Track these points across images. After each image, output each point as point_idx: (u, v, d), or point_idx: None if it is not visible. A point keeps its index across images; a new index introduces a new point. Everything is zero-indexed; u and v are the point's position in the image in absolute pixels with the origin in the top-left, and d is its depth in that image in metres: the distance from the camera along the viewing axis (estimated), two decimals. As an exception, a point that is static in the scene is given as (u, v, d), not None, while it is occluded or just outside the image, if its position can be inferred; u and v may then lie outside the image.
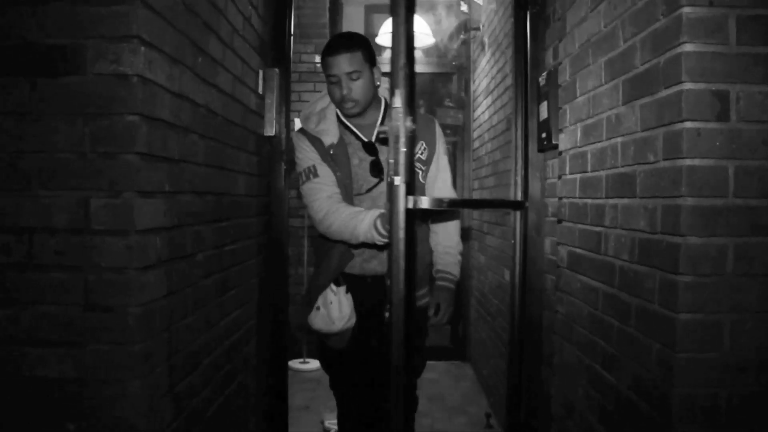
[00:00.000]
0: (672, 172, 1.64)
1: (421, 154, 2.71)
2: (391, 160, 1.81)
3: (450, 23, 6.09)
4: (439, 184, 2.80)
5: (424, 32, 5.54)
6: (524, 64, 2.95)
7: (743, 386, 1.61)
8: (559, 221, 2.65)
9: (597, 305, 2.17)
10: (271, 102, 2.97)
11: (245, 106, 2.62)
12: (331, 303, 2.64)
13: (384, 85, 2.67)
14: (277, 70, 3.00)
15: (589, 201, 2.27)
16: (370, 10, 6.92)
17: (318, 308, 2.67)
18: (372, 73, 2.58)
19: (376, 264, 2.72)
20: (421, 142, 2.70)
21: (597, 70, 2.19)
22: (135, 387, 1.63)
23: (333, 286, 2.69)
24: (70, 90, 1.59)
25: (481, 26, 5.43)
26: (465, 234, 5.63)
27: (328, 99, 2.69)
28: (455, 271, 2.85)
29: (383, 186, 2.61)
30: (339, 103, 2.56)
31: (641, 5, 1.82)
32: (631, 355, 1.88)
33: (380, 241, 2.41)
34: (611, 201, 2.06)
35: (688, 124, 1.59)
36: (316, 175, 2.60)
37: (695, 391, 1.61)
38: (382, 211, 2.42)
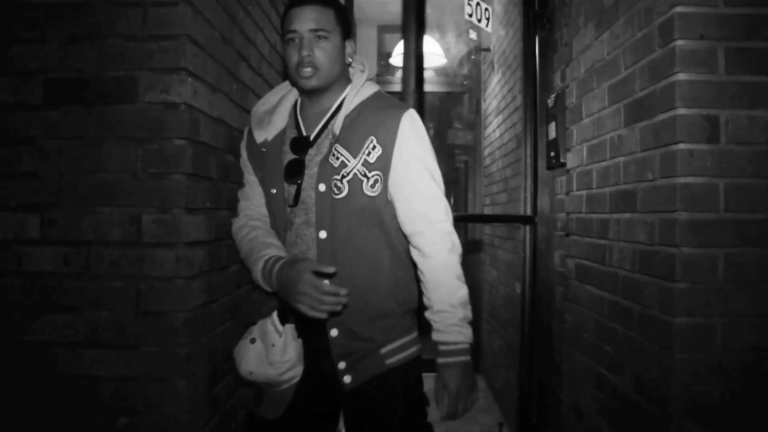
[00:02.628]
0: (668, 189, 1.80)
1: (368, 154, 1.90)
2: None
3: (461, 45, 6.28)
4: (402, 203, 1.93)
5: (436, 53, 5.72)
6: (533, 86, 3.13)
7: (735, 384, 1.76)
8: (567, 235, 2.81)
9: (603, 313, 2.32)
10: (294, 123, 3.14)
11: (271, 128, 2.79)
12: (273, 345, 1.92)
13: (357, 65, 2.08)
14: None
15: (595, 216, 2.43)
16: (383, 30, 7.13)
17: (253, 340, 1.96)
18: (343, 42, 1.98)
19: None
20: (371, 137, 1.91)
21: (601, 94, 2.36)
22: (180, 386, 1.79)
23: (278, 323, 1.95)
24: (123, 117, 1.77)
25: (491, 47, 5.62)
26: (476, 247, 5.80)
27: (290, 87, 2.11)
28: (460, 336, 1.89)
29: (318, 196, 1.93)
30: (295, 68, 1.91)
31: (640, 36, 1.99)
32: (634, 358, 2.04)
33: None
34: (615, 216, 2.22)
35: (682, 146, 1.75)
36: (242, 183, 2.13)
37: (691, 389, 1.77)
38: (274, 254, 1.92)
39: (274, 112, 2.07)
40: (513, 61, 4.50)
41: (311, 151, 1.96)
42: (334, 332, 1.93)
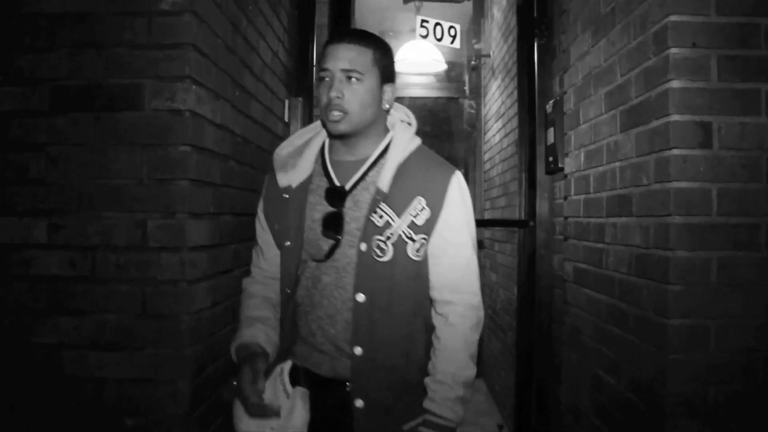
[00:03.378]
0: (662, 193, 1.84)
1: (415, 216, 1.77)
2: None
3: (461, 50, 6.32)
4: (441, 270, 1.82)
5: (436, 59, 5.76)
6: (527, 92, 3.18)
7: (728, 384, 1.80)
8: (565, 239, 2.85)
9: (600, 315, 2.36)
10: (296, 128, 3.18)
11: (273, 133, 2.84)
12: (280, 407, 1.74)
13: (398, 113, 1.94)
14: (300, 99, 3.22)
15: (592, 220, 2.47)
16: (383, 36, 7.17)
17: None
18: (380, 86, 1.81)
19: (342, 365, 1.81)
20: (419, 198, 1.78)
21: (598, 100, 2.40)
22: (185, 387, 1.83)
23: (287, 382, 1.79)
24: (129, 124, 1.81)
25: (491, 53, 5.66)
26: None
27: (319, 128, 1.94)
28: (451, 413, 1.76)
29: (355, 254, 1.78)
30: (324, 109, 1.77)
31: (635, 44, 2.03)
32: (630, 359, 2.07)
33: None
34: (611, 220, 2.26)
35: (676, 151, 1.79)
36: (255, 242, 1.97)
37: (685, 389, 1.80)
38: (242, 342, 1.78)
39: (300, 156, 1.89)
40: (512, 67, 4.54)
41: (347, 204, 1.80)
42: (359, 403, 1.77)
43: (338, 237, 1.77)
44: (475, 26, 6.31)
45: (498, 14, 5.26)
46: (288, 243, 1.82)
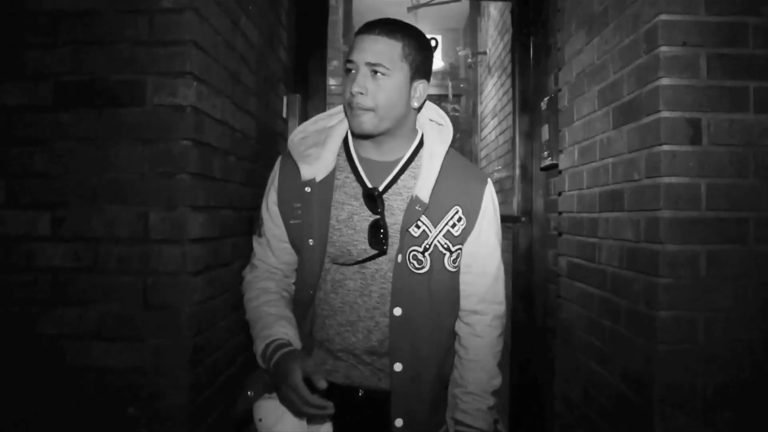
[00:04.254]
0: (653, 188, 1.89)
1: (452, 226, 1.73)
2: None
3: (458, 49, 6.37)
4: (471, 279, 1.79)
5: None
6: (523, 89, 3.22)
7: (716, 375, 1.85)
8: (560, 234, 2.89)
9: (592, 309, 2.40)
10: (294, 125, 3.22)
11: (272, 129, 2.88)
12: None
13: (428, 112, 1.85)
14: (298, 95, 3.26)
15: (585, 215, 2.51)
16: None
17: (260, 420, 1.66)
18: (410, 82, 1.69)
19: (368, 372, 1.78)
20: (456, 207, 1.74)
21: (591, 97, 2.44)
22: (185, 377, 1.87)
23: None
24: (131, 119, 1.85)
25: (487, 50, 5.70)
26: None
27: (340, 116, 1.85)
28: (484, 424, 1.75)
29: (384, 262, 1.74)
30: (347, 104, 1.68)
31: (627, 43, 2.08)
32: (621, 351, 2.12)
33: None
34: (604, 215, 2.30)
35: (666, 147, 1.84)
36: (260, 234, 1.85)
37: (674, 379, 1.85)
38: (278, 338, 1.68)
39: (323, 146, 1.78)
40: (508, 65, 4.59)
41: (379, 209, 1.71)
42: (398, 422, 1.71)
43: (384, 248, 1.69)
44: (472, 24, 6.36)
45: (494, 12, 5.30)
46: (311, 241, 1.73)
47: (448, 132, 1.80)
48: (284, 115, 3.15)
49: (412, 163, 1.76)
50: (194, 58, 1.86)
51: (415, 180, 1.73)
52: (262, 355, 1.69)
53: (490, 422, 1.77)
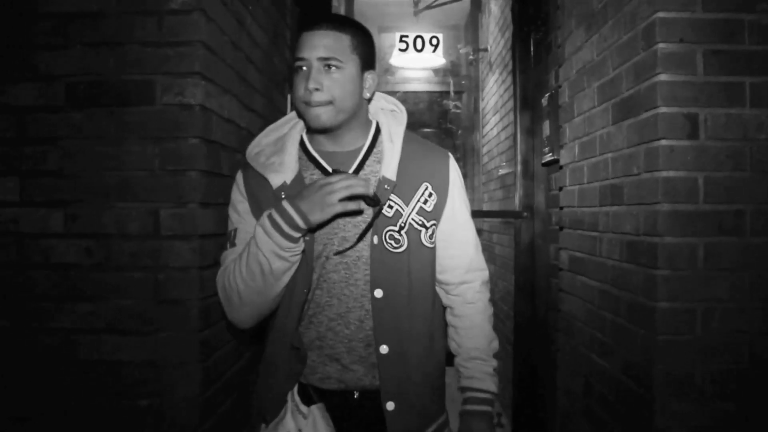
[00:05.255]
0: (651, 182, 1.93)
1: (424, 202, 1.78)
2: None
3: (459, 46, 6.40)
4: (454, 252, 1.84)
5: (434, 53, 5.83)
6: (524, 86, 3.26)
7: (714, 365, 1.89)
8: (561, 228, 2.93)
9: (593, 301, 2.45)
10: (298, 122, 3.26)
11: (277, 128, 2.92)
12: (300, 431, 1.72)
13: (379, 102, 1.91)
14: (302, 94, 3.30)
15: (586, 209, 2.55)
16: (382, 31, 7.25)
17: None
18: (360, 73, 1.73)
19: (362, 371, 1.77)
20: (425, 183, 1.79)
21: (591, 93, 2.48)
22: (196, 369, 1.91)
23: (300, 404, 1.76)
24: (141, 118, 1.89)
25: (488, 47, 5.73)
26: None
27: (292, 122, 1.89)
28: (492, 386, 1.83)
29: (364, 248, 1.75)
30: (301, 101, 1.68)
31: (626, 39, 2.12)
32: (622, 343, 2.16)
33: (290, 248, 1.60)
34: (604, 209, 2.35)
35: (664, 142, 1.88)
36: (234, 243, 1.77)
37: (673, 369, 1.89)
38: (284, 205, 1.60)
39: (283, 153, 1.78)
40: (510, 62, 4.62)
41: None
42: (390, 406, 1.73)
43: (378, 199, 1.66)
44: (473, 21, 6.39)
45: (495, 9, 5.34)
46: (308, 238, 1.69)
47: (402, 115, 1.87)
48: (288, 112, 3.19)
49: (375, 149, 1.80)
50: (202, 58, 1.90)
51: (379, 164, 1.77)
52: (270, 224, 1.60)
53: (497, 384, 1.83)
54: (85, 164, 1.90)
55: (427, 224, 1.78)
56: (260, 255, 1.61)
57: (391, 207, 1.74)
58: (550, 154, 3.12)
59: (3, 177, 1.91)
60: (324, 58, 1.66)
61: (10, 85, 1.91)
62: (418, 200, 1.77)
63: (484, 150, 5.87)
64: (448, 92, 6.86)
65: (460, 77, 6.67)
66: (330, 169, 1.74)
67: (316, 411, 1.73)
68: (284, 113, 3.10)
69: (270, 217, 1.60)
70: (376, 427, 1.74)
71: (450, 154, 1.88)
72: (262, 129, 2.56)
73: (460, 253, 1.84)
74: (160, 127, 1.89)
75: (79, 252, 1.90)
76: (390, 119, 1.84)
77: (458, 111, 6.64)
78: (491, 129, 5.44)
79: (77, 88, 1.90)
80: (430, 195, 1.78)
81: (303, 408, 1.74)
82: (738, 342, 1.89)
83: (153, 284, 1.90)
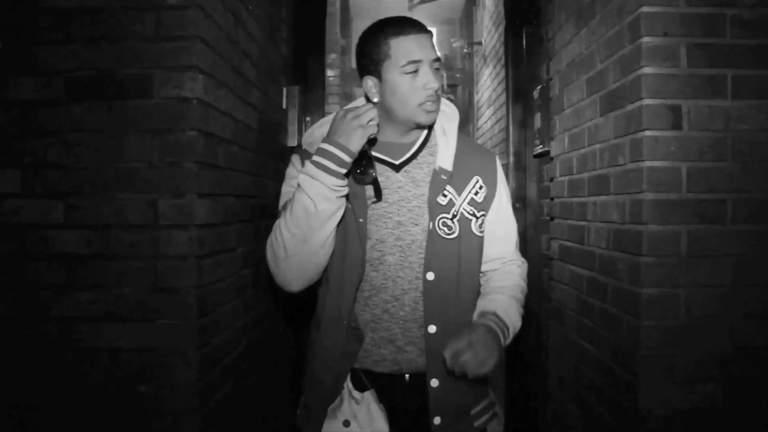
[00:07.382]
0: (636, 172, 1.98)
1: (475, 194, 1.90)
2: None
3: (452, 41, 6.44)
4: (497, 243, 1.97)
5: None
6: (516, 79, 3.31)
7: (696, 349, 1.95)
8: (552, 219, 2.99)
9: (582, 289, 2.50)
10: (293, 116, 3.31)
11: (272, 120, 2.97)
12: (356, 417, 1.82)
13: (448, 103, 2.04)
14: (298, 87, 3.35)
15: (575, 199, 2.61)
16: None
17: (346, 423, 1.84)
18: None
19: (416, 353, 1.86)
20: (476, 177, 1.92)
21: (580, 86, 2.53)
22: (194, 356, 1.96)
23: (353, 390, 1.87)
24: (140, 111, 1.94)
25: (483, 40, 5.78)
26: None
27: None
28: (508, 317, 1.86)
29: (419, 232, 1.86)
30: (420, 102, 1.78)
31: (612, 33, 2.17)
32: (609, 329, 2.22)
33: (337, 186, 1.67)
34: (592, 198, 2.40)
35: (648, 133, 1.93)
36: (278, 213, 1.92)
37: (657, 353, 1.95)
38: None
39: None
40: (503, 55, 4.67)
41: (402, 180, 1.88)
42: (434, 383, 1.82)
43: (372, 172, 1.77)
44: (468, 15, 6.43)
45: (490, 3, 5.38)
46: (362, 219, 1.82)
47: (454, 113, 1.99)
48: (284, 106, 3.24)
49: (428, 143, 1.94)
50: (200, 53, 1.95)
51: (432, 157, 1.91)
52: (314, 168, 1.68)
53: (517, 327, 1.91)
54: (85, 156, 1.94)
55: (477, 214, 1.91)
56: (305, 198, 1.68)
57: (445, 196, 1.86)
58: (541, 145, 3.17)
59: (4, 169, 1.95)
60: (436, 60, 1.79)
61: (11, 79, 1.95)
62: (470, 191, 1.91)
63: (479, 142, 5.93)
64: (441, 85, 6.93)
65: (454, 71, 6.71)
66: (385, 157, 1.89)
67: (369, 396, 1.84)
68: (280, 106, 3.15)
69: (314, 161, 1.68)
70: (424, 408, 1.83)
71: (494, 154, 2.06)
72: (258, 121, 2.64)
73: (502, 243, 1.99)
74: (159, 119, 1.93)
75: (80, 242, 1.94)
76: (441, 116, 1.95)
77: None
78: (485, 122, 5.49)
79: (77, 82, 1.94)
80: (481, 188, 1.93)
81: (356, 394, 1.85)
82: (720, 326, 1.95)
83: (152, 273, 1.94)
